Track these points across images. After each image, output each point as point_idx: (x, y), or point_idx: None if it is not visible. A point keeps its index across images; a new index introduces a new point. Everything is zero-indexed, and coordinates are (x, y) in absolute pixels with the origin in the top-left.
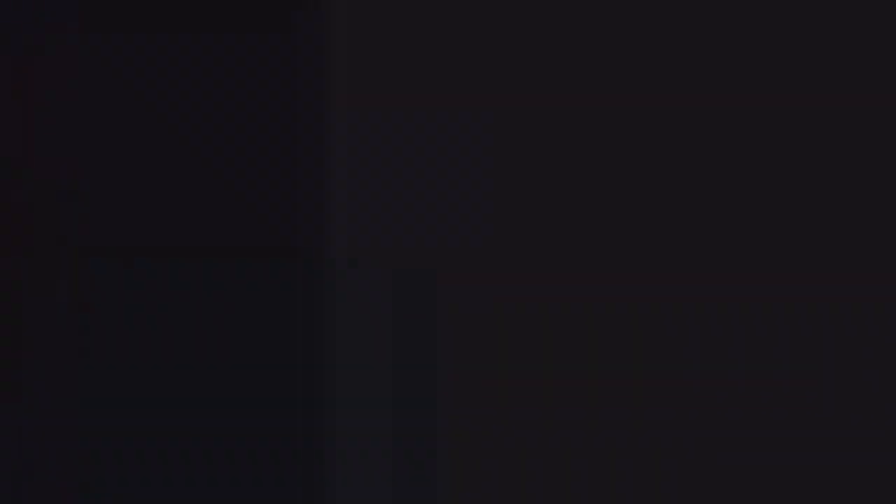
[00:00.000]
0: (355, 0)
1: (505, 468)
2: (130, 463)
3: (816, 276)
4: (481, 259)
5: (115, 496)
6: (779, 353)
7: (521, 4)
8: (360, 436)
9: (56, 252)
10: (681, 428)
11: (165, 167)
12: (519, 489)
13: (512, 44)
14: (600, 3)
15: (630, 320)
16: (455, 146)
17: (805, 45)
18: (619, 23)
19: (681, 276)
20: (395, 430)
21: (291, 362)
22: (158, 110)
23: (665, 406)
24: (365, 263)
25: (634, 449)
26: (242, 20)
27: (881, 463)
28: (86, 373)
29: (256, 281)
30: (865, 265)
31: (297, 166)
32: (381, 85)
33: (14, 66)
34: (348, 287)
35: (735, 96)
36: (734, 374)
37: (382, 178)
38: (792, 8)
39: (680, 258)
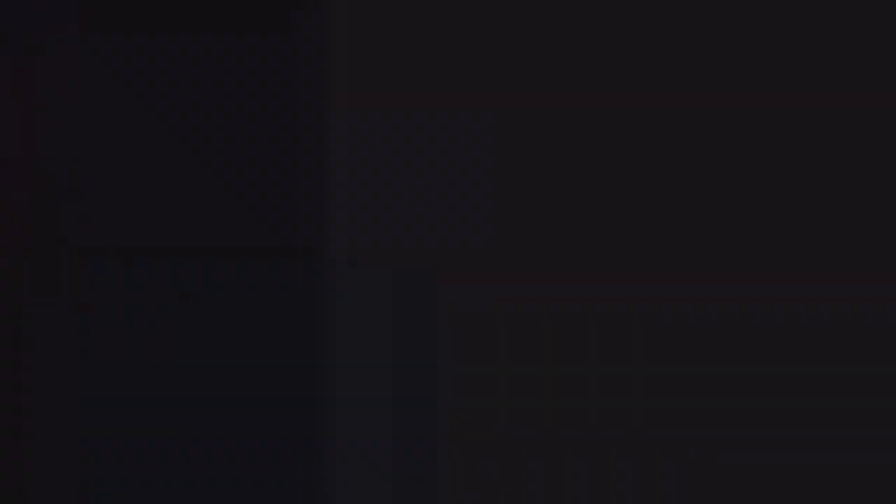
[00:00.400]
0: (355, 0)
1: (505, 468)
2: (130, 463)
3: (816, 276)
4: (481, 259)
5: (115, 496)
6: (779, 353)
7: (521, 5)
8: (360, 436)
9: (56, 252)
10: (681, 428)
11: (165, 167)
12: (519, 489)
13: (511, 44)
14: (600, 3)
15: (630, 320)
16: (455, 146)
17: (805, 45)
18: (619, 23)
19: (681, 276)
20: (395, 430)
21: (291, 362)
22: (158, 110)
23: (665, 406)
24: (365, 263)
25: (634, 449)
26: (242, 20)
27: (881, 463)
28: (86, 373)
29: (256, 281)
30: (865, 265)
31: (297, 166)
32: (381, 85)
33: (14, 66)
34: (348, 287)
35: (735, 96)
36: (734, 374)
37: (382, 178)
38: (792, 8)
39: (680, 258)
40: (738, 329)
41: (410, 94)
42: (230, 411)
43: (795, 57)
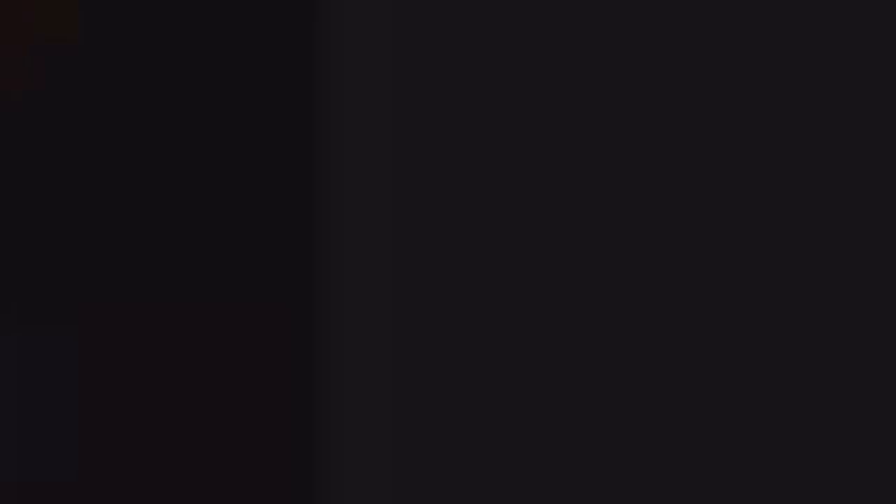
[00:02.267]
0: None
1: (502, 468)
2: (133, 461)
3: (816, 276)
4: None
5: (113, 495)
6: (778, 352)
7: (521, 7)
8: (360, 435)
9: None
10: (680, 427)
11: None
12: (518, 489)
13: (509, 45)
14: (599, 4)
15: (630, 320)
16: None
17: (805, 45)
18: (618, 24)
19: (681, 275)
20: (395, 430)
21: (290, 360)
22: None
23: (665, 405)
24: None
25: (633, 448)
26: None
27: (881, 463)
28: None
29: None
30: (865, 265)
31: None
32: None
33: None
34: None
35: (735, 96)
36: (734, 374)
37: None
38: (792, 8)
39: (680, 258)
40: (737, 329)
41: (410, 94)
42: (228, 410)
43: (796, 57)
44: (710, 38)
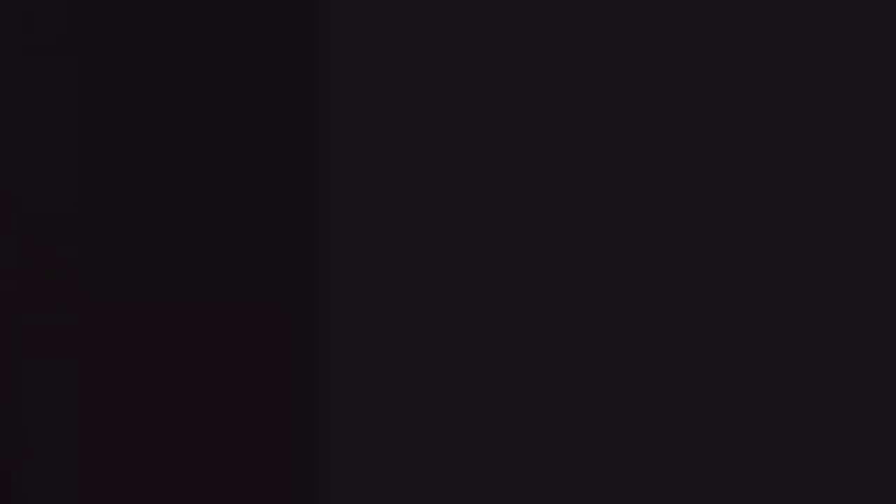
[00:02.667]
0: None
1: (502, 468)
2: (134, 461)
3: (816, 275)
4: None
5: (112, 494)
6: (778, 352)
7: (519, 7)
8: (360, 435)
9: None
10: (681, 427)
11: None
12: (518, 489)
13: (510, 44)
14: (600, 4)
15: (630, 320)
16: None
17: (805, 45)
18: (618, 23)
19: (683, 275)
20: (395, 430)
21: (289, 359)
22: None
23: (666, 406)
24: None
25: (633, 449)
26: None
27: (881, 463)
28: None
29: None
30: (865, 265)
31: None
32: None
33: None
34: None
35: (735, 96)
36: (734, 374)
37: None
38: (792, 8)
39: (682, 259)
40: (737, 328)
41: (412, 93)
42: (227, 409)
43: (795, 57)
44: (709, 38)
